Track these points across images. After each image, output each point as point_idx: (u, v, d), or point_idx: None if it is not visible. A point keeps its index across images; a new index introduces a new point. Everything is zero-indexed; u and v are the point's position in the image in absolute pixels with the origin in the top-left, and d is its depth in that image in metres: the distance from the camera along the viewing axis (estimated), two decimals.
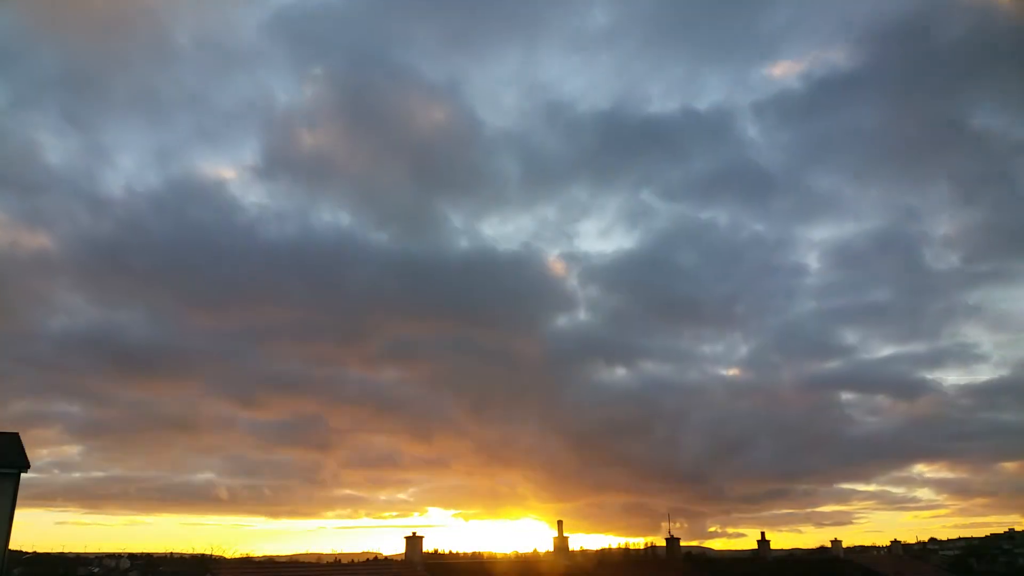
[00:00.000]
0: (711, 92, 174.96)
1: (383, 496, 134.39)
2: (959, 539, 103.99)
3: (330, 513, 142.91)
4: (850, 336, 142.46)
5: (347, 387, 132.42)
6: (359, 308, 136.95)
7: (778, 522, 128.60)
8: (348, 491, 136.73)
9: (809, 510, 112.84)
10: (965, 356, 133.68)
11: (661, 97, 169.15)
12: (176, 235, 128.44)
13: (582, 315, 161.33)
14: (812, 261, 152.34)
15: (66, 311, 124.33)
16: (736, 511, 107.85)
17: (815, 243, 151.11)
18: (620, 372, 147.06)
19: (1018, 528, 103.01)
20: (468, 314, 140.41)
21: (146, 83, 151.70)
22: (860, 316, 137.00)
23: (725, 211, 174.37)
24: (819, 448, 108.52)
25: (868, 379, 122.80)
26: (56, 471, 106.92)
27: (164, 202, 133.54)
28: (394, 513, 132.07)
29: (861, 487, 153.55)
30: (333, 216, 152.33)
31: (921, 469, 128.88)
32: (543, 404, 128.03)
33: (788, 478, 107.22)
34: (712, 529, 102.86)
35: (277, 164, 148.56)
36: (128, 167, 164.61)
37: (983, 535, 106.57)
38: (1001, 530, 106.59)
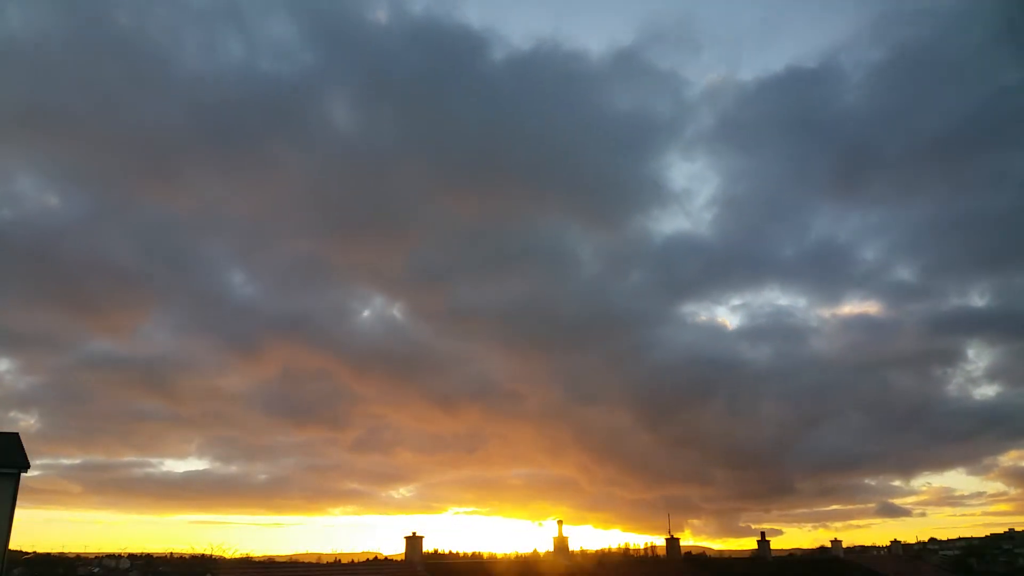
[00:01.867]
0: None
1: (394, 493, 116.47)
2: (959, 539, 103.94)
3: (334, 510, 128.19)
4: None
5: (355, 333, 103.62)
6: (356, 166, 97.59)
7: (816, 519, 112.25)
8: (354, 485, 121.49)
9: (862, 506, 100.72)
10: None
11: None
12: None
13: (694, 196, 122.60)
14: None
15: None
16: (775, 508, 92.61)
17: None
18: (724, 309, 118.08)
19: (1018, 528, 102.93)
20: (514, 183, 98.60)
21: None
22: None
23: None
24: (907, 429, 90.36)
25: (1019, 316, 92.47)
26: None
27: None
28: (399, 511, 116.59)
29: (920, 482, 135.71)
30: None
31: (1014, 456, 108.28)
32: (609, 356, 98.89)
33: (857, 468, 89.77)
34: (743, 525, 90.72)
35: None
36: None
37: (983, 535, 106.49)
38: (1001, 530, 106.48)
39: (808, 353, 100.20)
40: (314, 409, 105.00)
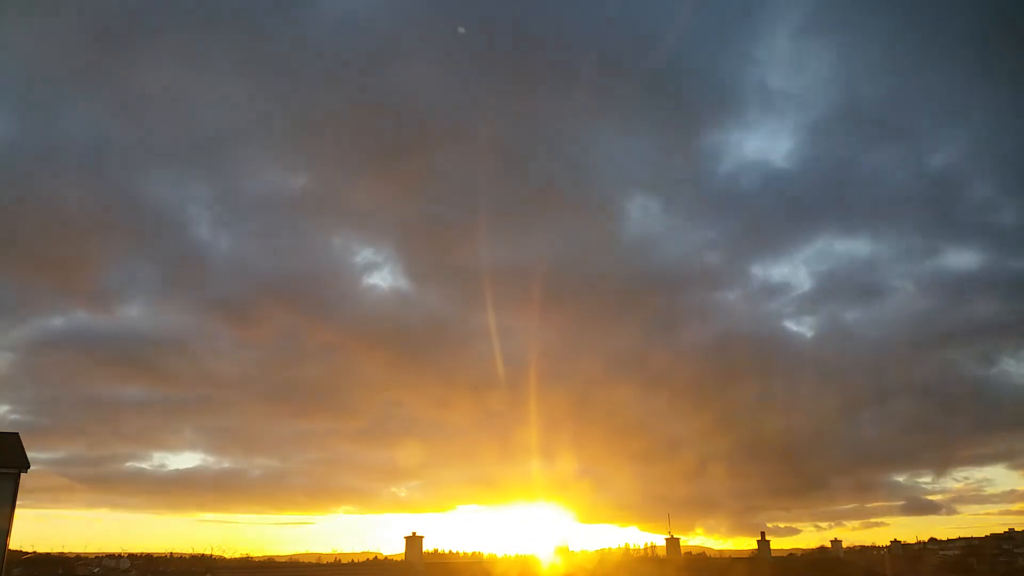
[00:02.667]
0: None
1: (399, 490, 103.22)
2: (959, 539, 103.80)
3: (336, 508, 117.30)
4: None
5: (356, 300, 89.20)
6: (355, 57, 77.24)
7: (834, 517, 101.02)
8: (357, 481, 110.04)
9: (888, 503, 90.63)
10: None
11: None
12: None
13: (785, 105, 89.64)
14: None
15: None
16: (796, 506, 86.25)
17: None
18: (796, 262, 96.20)
19: (1018, 528, 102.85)
20: (559, 76, 79.86)
21: None
22: None
23: None
24: (957, 417, 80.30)
25: None
26: None
27: None
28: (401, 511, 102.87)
29: (957, 476, 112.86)
30: None
31: None
32: (651, 327, 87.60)
33: (890, 462, 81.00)
34: (760, 523, 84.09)
35: None
36: None
37: (983, 535, 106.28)
38: (1001, 530, 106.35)
39: (872, 324, 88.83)
40: (314, 395, 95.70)
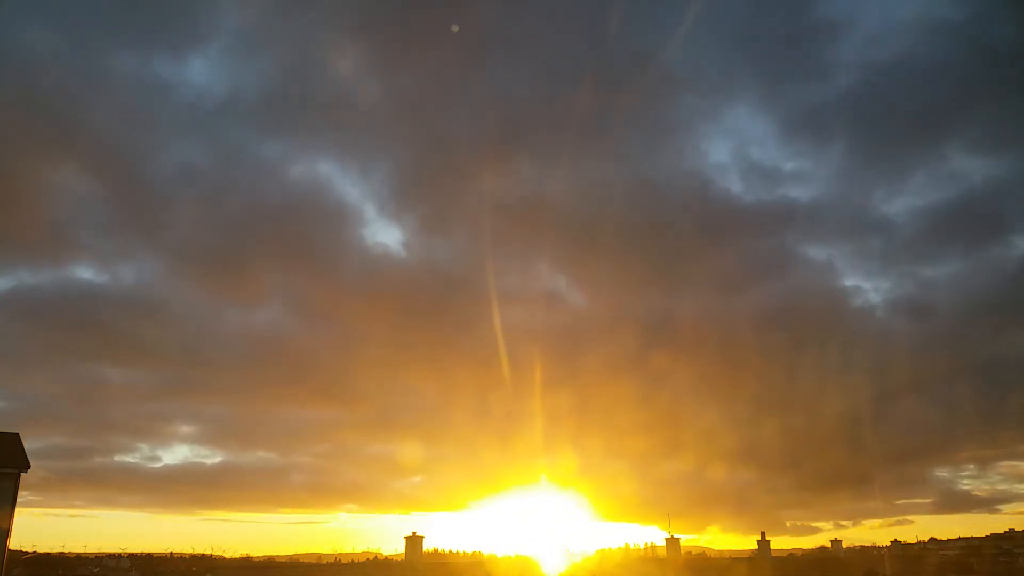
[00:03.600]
0: None
1: (403, 487, 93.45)
2: (959, 539, 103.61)
3: (339, 507, 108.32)
4: None
5: (362, 262, 76.42)
6: None
7: (864, 515, 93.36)
8: (358, 478, 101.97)
9: (921, 501, 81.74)
10: None
11: None
12: None
13: None
14: None
15: None
16: (813, 503, 76.48)
17: None
18: (918, 187, 76.65)
19: (1018, 528, 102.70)
20: None
21: None
22: None
23: None
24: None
25: None
26: None
27: None
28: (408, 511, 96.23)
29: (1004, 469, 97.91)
30: None
31: None
32: (712, 284, 75.10)
33: (931, 455, 72.44)
34: (788, 523, 77.54)
35: None
36: None
37: (983, 535, 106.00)
38: (1001, 530, 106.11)
39: (963, 282, 72.95)
40: (313, 379, 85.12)
